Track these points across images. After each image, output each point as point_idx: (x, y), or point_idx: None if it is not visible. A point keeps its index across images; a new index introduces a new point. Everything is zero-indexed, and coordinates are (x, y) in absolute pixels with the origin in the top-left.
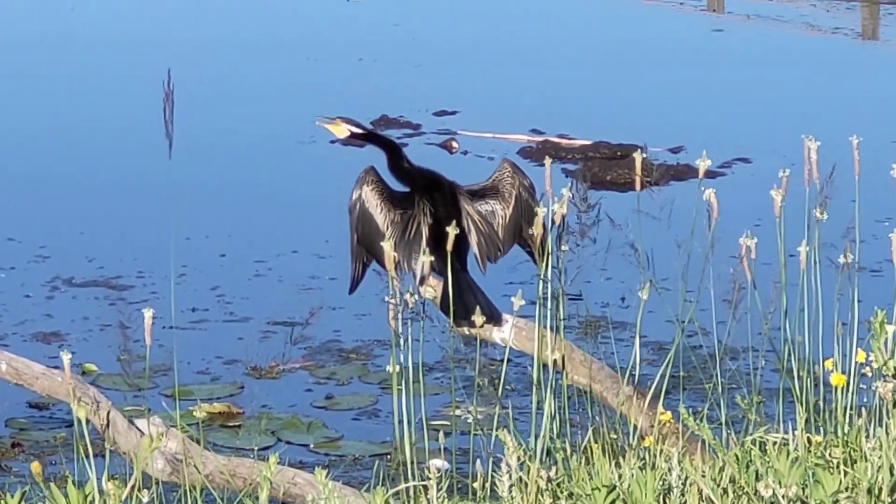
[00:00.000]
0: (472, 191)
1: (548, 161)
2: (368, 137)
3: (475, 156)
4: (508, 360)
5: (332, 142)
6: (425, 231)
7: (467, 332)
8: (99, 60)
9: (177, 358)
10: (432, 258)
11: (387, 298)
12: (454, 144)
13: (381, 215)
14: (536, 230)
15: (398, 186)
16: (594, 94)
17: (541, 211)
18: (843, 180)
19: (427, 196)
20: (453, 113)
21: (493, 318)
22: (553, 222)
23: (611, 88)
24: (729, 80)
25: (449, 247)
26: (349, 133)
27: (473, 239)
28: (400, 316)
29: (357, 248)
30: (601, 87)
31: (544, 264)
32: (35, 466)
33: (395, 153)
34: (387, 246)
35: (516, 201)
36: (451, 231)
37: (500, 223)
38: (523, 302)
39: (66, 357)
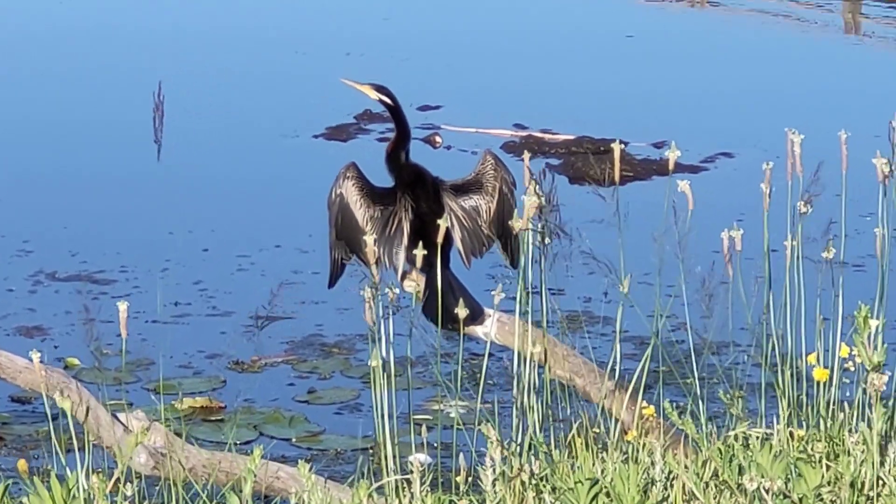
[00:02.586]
0: (456, 186)
1: (526, 156)
2: (394, 111)
3: (459, 150)
4: (491, 355)
5: (316, 136)
6: (406, 227)
7: (450, 328)
8: (84, 55)
9: (159, 352)
10: (414, 252)
11: (362, 293)
12: (438, 139)
13: (360, 211)
14: (515, 224)
15: (381, 179)
16: (577, 88)
17: (528, 201)
18: (826, 174)
19: (409, 192)
20: (437, 108)
21: (475, 315)
22: (529, 216)
23: (594, 83)
24: (712, 75)
25: (439, 239)
26: (379, 98)
27: (457, 235)
28: (380, 311)
29: (336, 242)
30: (584, 82)
31: (523, 259)
32: (21, 464)
33: (402, 141)
34: (369, 239)
35: (500, 195)
36: (443, 224)
37: (485, 218)
38: (503, 296)
39: (35, 356)
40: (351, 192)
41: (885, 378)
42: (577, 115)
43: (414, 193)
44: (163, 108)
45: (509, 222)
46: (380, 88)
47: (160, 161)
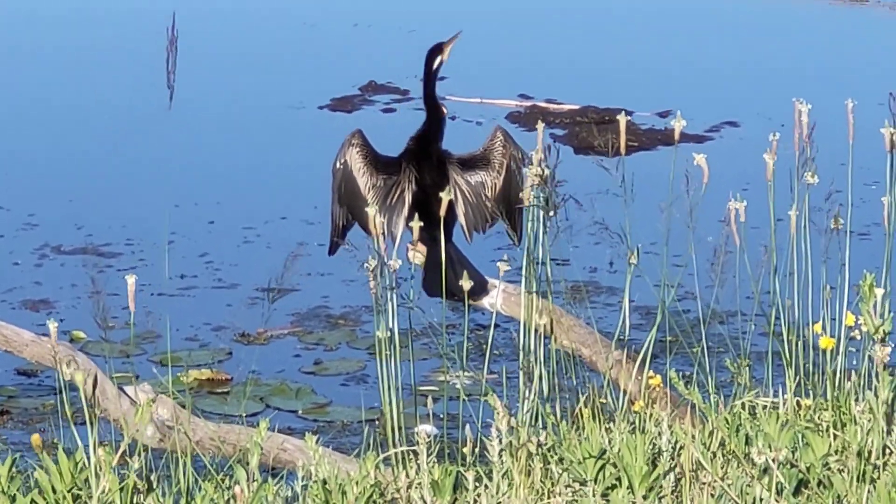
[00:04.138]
0: (463, 160)
1: (540, 126)
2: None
3: (463, 121)
4: (497, 326)
5: (321, 107)
6: (408, 197)
7: (454, 300)
8: (87, 32)
9: (165, 325)
10: (421, 224)
11: (365, 265)
12: (443, 110)
13: (363, 179)
14: (525, 198)
15: (387, 149)
16: (582, 59)
17: (531, 172)
18: (829, 143)
19: (414, 163)
20: (442, 78)
21: (478, 288)
22: (533, 185)
23: (599, 53)
24: (716, 45)
25: (442, 212)
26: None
27: (460, 209)
28: (383, 281)
29: (338, 209)
30: (589, 53)
31: (529, 230)
32: (35, 439)
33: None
34: (371, 211)
35: (507, 171)
36: (445, 197)
37: (490, 194)
38: (509, 267)
39: (52, 326)
40: (355, 160)
41: (889, 350)
42: (581, 85)
43: (419, 165)
44: (177, 45)
45: (519, 195)
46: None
47: (165, 135)
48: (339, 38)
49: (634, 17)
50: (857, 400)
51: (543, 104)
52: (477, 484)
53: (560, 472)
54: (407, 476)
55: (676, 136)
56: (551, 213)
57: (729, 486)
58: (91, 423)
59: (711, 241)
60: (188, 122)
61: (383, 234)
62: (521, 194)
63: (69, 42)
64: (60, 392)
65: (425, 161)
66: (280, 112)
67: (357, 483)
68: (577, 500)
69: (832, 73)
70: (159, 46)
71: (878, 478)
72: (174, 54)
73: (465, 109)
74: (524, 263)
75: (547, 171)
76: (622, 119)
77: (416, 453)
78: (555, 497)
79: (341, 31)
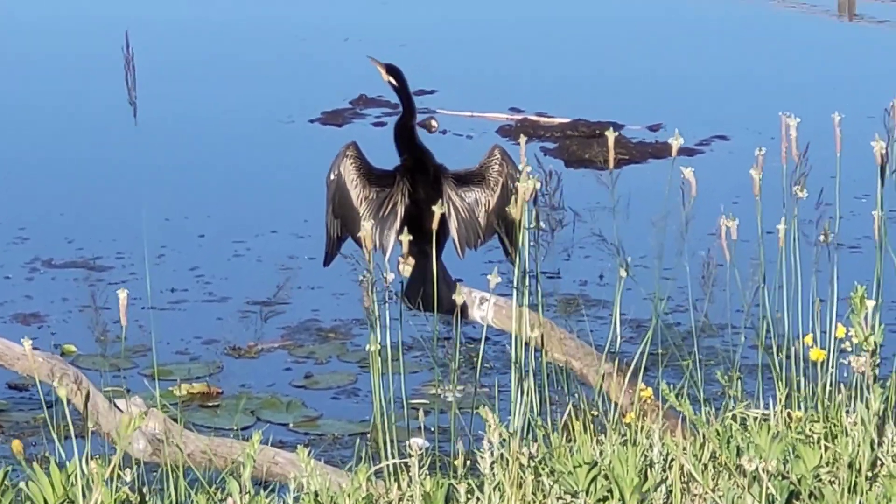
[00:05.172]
0: (458, 176)
1: (522, 140)
2: (400, 92)
3: (454, 135)
4: (487, 339)
5: (312, 121)
6: (401, 211)
7: (433, 314)
8: (77, 42)
9: (156, 338)
10: (410, 237)
11: (360, 278)
12: (433, 123)
13: (356, 191)
14: (512, 211)
15: (382, 161)
16: (573, 72)
17: (521, 188)
18: (820, 156)
19: (409, 176)
20: (432, 92)
21: (455, 306)
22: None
23: (589, 67)
24: (707, 58)
25: (434, 226)
26: (387, 80)
27: (453, 224)
28: (376, 295)
29: (332, 221)
30: (580, 66)
31: (520, 243)
32: (16, 445)
33: (408, 117)
34: (366, 225)
35: (502, 189)
36: (438, 210)
37: (483, 211)
38: (499, 279)
39: (27, 344)
40: (349, 172)
41: (864, 360)
42: (572, 99)
43: (413, 179)
44: (133, 65)
45: (507, 208)
46: (391, 70)
47: (157, 148)
48: (330, 52)
49: (625, 31)
50: (848, 412)
51: (534, 118)
52: (469, 496)
53: (551, 484)
54: (399, 489)
55: (674, 152)
56: (542, 226)
57: (720, 497)
58: (83, 437)
59: (702, 256)
60: (179, 135)
61: (374, 246)
62: (509, 208)
63: (52, 51)
64: (52, 406)
65: (420, 175)
66: (271, 126)
67: (349, 496)
68: None
69: (822, 85)
70: (151, 57)
71: (869, 489)
72: (132, 72)
73: (455, 123)
74: (515, 276)
75: (536, 184)
76: (610, 134)
77: (407, 466)
78: None
79: (332, 45)
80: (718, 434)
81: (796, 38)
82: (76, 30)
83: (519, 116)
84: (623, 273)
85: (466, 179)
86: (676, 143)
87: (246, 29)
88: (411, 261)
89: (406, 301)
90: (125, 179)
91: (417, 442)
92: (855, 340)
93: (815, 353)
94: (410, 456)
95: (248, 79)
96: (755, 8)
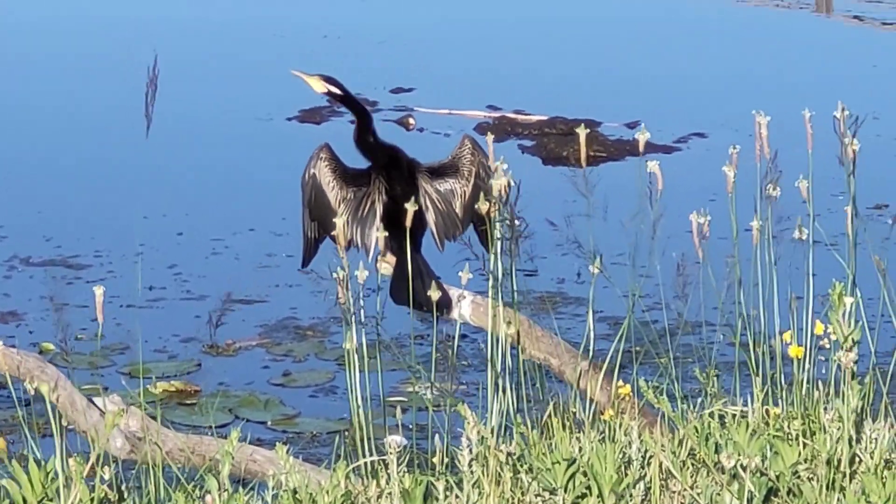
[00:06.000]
0: (432, 168)
1: (489, 137)
2: (344, 100)
3: (432, 132)
4: (465, 337)
5: (290, 118)
6: (379, 209)
7: (424, 310)
8: (59, 42)
9: (134, 336)
10: (387, 234)
11: (335, 276)
12: (411, 121)
13: (333, 192)
14: (482, 207)
15: (356, 161)
16: (550, 70)
17: (495, 183)
18: (796, 154)
19: (384, 174)
20: (410, 90)
21: (444, 303)
22: (500, 196)
23: (567, 64)
24: (685, 56)
25: (408, 223)
26: (326, 91)
27: (431, 217)
28: (353, 293)
29: (309, 223)
30: (557, 64)
31: (496, 240)
32: (0, 443)
33: (364, 124)
34: (339, 222)
35: (476, 178)
36: (410, 207)
37: (459, 202)
38: (471, 276)
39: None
40: (324, 173)
41: (853, 356)
42: (550, 96)
43: (388, 175)
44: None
45: (476, 205)
46: (327, 80)
47: (134, 146)
48: (308, 50)
49: (603, 28)
50: (826, 408)
51: (512, 115)
52: (447, 493)
53: (530, 480)
54: (378, 486)
55: (641, 148)
56: (516, 224)
57: (699, 494)
58: (61, 435)
59: (676, 257)
60: (156, 133)
61: (356, 246)
62: (478, 204)
63: (37, 50)
64: (29, 404)
65: (395, 171)
66: (248, 123)
67: (328, 493)
68: None
69: (799, 83)
70: (132, 57)
71: (848, 486)
72: (153, 91)
73: (432, 121)
74: (490, 274)
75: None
76: (581, 131)
77: (386, 463)
78: None
79: (310, 42)
80: (697, 431)
81: (774, 36)
82: (76, 30)
83: (497, 114)
84: (595, 270)
85: (440, 172)
86: (643, 137)
87: (223, 27)
88: (391, 258)
89: (394, 298)
90: (103, 178)
91: (395, 439)
92: (834, 337)
93: (794, 350)
94: (389, 453)
95: (227, 77)
96: (734, 5)
